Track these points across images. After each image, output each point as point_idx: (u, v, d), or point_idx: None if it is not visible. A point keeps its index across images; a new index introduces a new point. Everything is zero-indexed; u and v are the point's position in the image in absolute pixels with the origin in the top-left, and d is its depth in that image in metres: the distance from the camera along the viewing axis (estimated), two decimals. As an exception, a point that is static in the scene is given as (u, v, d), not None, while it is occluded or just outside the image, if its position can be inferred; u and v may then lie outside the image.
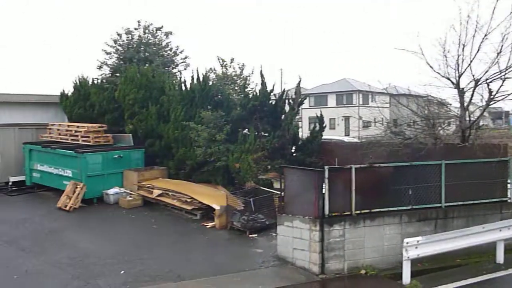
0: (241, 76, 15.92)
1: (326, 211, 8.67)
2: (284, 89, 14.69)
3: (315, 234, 8.63)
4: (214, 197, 12.66)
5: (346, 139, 23.85)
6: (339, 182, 8.88)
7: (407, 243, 8.08)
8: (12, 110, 18.91)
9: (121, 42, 22.68)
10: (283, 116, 14.22)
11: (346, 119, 46.23)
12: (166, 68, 21.87)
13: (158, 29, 23.25)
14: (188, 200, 12.91)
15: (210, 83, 15.49)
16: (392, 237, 9.00)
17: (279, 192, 10.41)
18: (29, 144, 16.87)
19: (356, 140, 22.55)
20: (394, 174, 9.36)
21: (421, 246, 8.19)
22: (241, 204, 11.42)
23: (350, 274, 8.64)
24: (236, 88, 15.75)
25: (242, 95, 14.89)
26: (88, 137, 15.65)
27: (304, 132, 22.00)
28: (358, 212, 8.87)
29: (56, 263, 9.04)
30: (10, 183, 16.95)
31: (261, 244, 10.35)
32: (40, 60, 75.65)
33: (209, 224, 11.84)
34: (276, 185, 12.22)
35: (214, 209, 11.91)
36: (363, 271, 8.66)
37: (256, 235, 10.86)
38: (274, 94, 14.74)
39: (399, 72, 48.30)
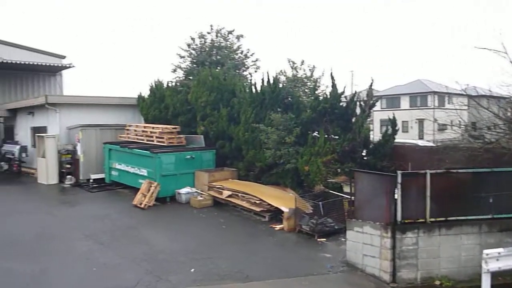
0: (311, 78, 15.81)
1: (399, 218, 8.36)
2: (355, 91, 14.42)
3: (386, 241, 8.35)
4: (282, 200, 12.66)
5: (420, 142, 22.84)
6: (412, 188, 8.53)
7: (487, 254, 7.57)
8: (95, 112, 20.15)
9: (194, 46, 23.40)
10: (354, 119, 13.93)
11: (420, 122, 44.44)
12: (237, 71, 22.23)
13: (230, 32, 23.70)
14: (257, 201, 13.01)
15: (280, 85, 15.52)
16: (470, 247, 8.48)
17: (349, 196, 10.21)
18: (109, 144, 17.82)
19: (431, 144, 21.58)
20: (473, 181, 8.83)
21: (503, 258, 7.64)
22: (309, 207, 11.33)
23: (423, 284, 8.26)
24: (306, 90, 15.66)
25: (312, 98, 14.78)
26: (163, 138, 16.26)
27: (375, 135, 21.39)
28: (433, 219, 8.46)
29: (131, 257, 9.46)
30: (91, 180, 18.02)
31: (329, 248, 10.20)
32: (120, 64, 79.89)
33: (278, 227, 11.85)
34: (346, 189, 11.97)
35: (282, 212, 11.91)
36: (437, 282, 8.25)
37: (324, 239, 10.72)
38: (345, 96, 14.48)
39: (476, 72, 45.61)
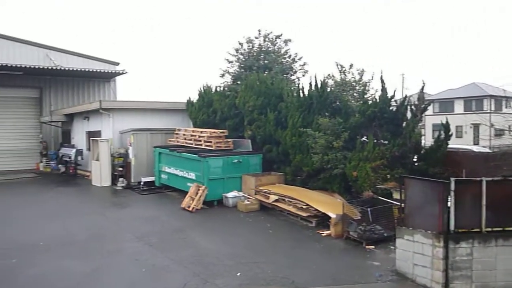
0: (360, 82, 15.54)
1: (452, 227, 8.01)
2: (405, 95, 14.00)
3: (439, 251, 8.03)
4: (330, 205, 12.48)
5: (476, 148, 21.93)
6: (467, 196, 8.15)
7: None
8: (146, 116, 20.75)
9: (242, 51, 23.63)
10: (404, 123, 13.54)
11: (475, 126, 42.69)
12: (285, 75, 22.23)
13: (278, 37, 23.76)
14: (304, 206, 12.89)
15: (328, 89, 15.34)
16: (530, 260, 8.01)
17: (398, 203, 9.90)
18: (159, 147, 18.26)
19: (487, 149, 20.65)
20: (534, 189, 8.33)
21: None
22: (358, 213, 11.09)
23: (478, 297, 7.88)
24: (355, 94, 15.40)
25: (361, 102, 14.51)
26: (210, 142, 16.47)
27: (427, 140, 20.69)
28: (489, 229, 8.04)
29: (179, 260, 9.61)
30: (142, 183, 18.52)
31: (378, 256, 9.94)
32: (170, 69, 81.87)
33: (324, 232, 11.68)
34: (396, 195, 11.65)
35: (329, 217, 11.74)
36: (494, 295, 7.85)
37: (373, 246, 10.45)
38: (395, 100, 14.10)
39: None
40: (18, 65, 23.82)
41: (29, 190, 19.32)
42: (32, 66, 24.21)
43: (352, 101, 15.25)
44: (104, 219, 13.52)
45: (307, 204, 12.81)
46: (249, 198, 14.79)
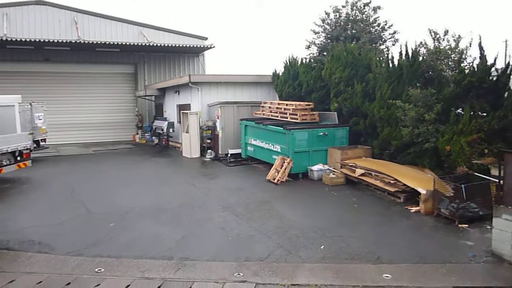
0: (456, 50, 14.41)
1: (558, 207, 7.30)
2: (508, 63, 12.74)
3: (542, 232, 7.37)
4: (419, 181, 11.93)
5: None
6: None
7: None
8: (233, 89, 21.19)
9: (329, 21, 23.00)
10: (506, 94, 12.42)
11: None
12: (373, 45, 21.31)
13: (366, 4, 22.77)
14: (392, 181, 12.47)
15: (420, 58, 14.46)
16: None
17: (497, 180, 9.18)
18: (245, 120, 18.56)
19: None
20: None
21: None
22: (450, 190, 10.49)
23: None
24: (449, 63, 14.35)
25: (457, 71, 13.52)
26: (296, 114, 16.40)
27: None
28: None
29: (263, 230, 9.80)
30: (229, 155, 19.04)
31: (471, 236, 9.36)
32: (255, 41, 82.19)
33: (413, 209, 11.23)
34: (494, 172, 10.78)
35: (419, 193, 11.24)
36: None
37: (466, 225, 9.86)
38: (496, 69, 12.93)
39: None
40: (115, 42, 25.33)
41: (126, 159, 20.71)
42: (128, 43, 25.64)
43: (447, 71, 14.24)
44: (193, 188, 14.13)
45: (395, 179, 12.36)
46: (334, 171, 14.60)
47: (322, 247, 8.77)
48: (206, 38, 30.18)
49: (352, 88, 16.09)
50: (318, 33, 23.28)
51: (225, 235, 9.60)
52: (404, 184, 12.01)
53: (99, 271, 7.83)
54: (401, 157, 14.12)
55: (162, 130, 23.77)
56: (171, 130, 23.43)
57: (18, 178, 15.64)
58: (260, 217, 10.82)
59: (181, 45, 27.16)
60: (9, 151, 14.51)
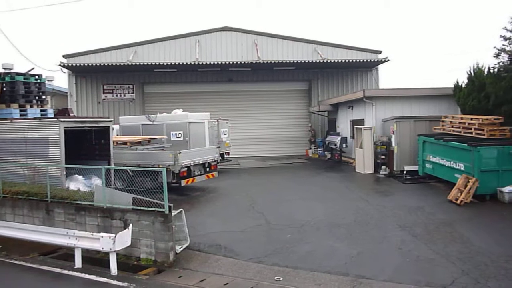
0: None
1: None
2: None
3: None
4: None
5: None
6: None
7: None
8: (408, 104, 20.45)
9: (523, 25, 20.47)
10: None
11: None
12: None
13: None
14: None
15: None
16: None
17: None
18: (423, 136, 17.61)
19: None
20: None
21: None
22: None
23: None
24: None
25: None
26: (483, 129, 14.93)
27: None
28: None
29: (445, 254, 9.12)
30: (404, 172, 18.27)
31: None
32: (431, 51, 77.44)
33: None
34: None
35: None
36: None
37: None
38: None
39: None
40: (291, 61, 26.55)
41: (300, 173, 21.38)
42: (303, 61, 26.62)
43: None
44: (367, 205, 13.89)
45: None
46: (530, 194, 12.86)
47: (516, 279, 7.79)
48: (380, 52, 29.59)
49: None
50: (509, 39, 20.92)
51: (402, 256, 9.21)
52: None
53: (278, 279, 8.24)
54: None
55: (335, 145, 23.95)
56: (344, 145, 23.47)
57: (207, 187, 17.40)
58: (441, 240, 10.10)
59: (354, 60, 27.15)
60: (200, 162, 16.29)
